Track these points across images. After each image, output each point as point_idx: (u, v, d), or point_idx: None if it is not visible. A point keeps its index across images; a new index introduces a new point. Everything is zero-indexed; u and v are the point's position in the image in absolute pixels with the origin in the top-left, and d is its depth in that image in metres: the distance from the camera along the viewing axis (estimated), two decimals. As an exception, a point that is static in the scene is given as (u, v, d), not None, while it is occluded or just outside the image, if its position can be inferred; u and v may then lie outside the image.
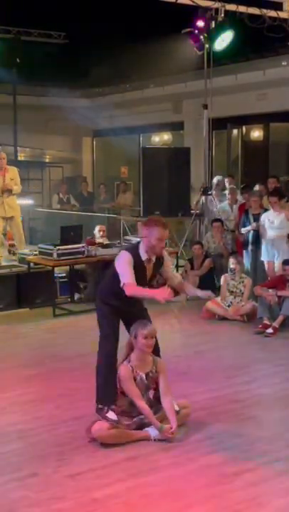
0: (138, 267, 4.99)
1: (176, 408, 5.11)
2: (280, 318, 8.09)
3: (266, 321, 8.14)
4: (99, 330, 5.17)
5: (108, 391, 5.02)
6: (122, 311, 5.11)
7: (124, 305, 5.06)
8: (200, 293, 5.50)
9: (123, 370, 5.01)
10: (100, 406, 4.99)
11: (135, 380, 5.02)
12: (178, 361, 6.64)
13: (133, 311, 5.14)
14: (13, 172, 10.67)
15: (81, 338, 7.95)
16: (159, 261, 5.20)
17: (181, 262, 10.92)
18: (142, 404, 4.97)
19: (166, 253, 5.39)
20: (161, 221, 5.10)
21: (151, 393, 5.09)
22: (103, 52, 11.07)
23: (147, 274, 5.11)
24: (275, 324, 8.05)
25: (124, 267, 4.98)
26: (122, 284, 4.90)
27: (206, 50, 10.79)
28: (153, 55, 11.38)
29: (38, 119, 16.49)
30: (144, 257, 5.06)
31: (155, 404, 5.12)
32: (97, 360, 5.12)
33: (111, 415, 4.92)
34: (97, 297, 5.31)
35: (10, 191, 10.57)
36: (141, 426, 5.00)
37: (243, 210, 10.21)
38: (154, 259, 5.14)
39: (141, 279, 4.99)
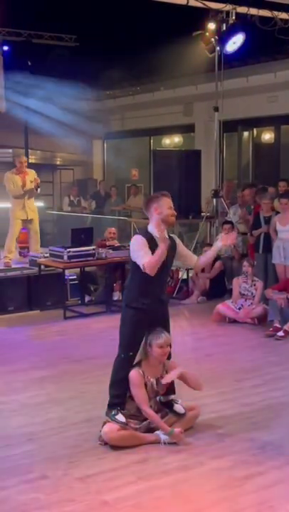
0: (152, 245, 4.97)
1: (182, 411, 5.11)
2: None
3: (277, 324, 8.12)
4: (119, 336, 5.13)
5: (119, 395, 5.03)
6: (147, 318, 5.04)
7: (152, 303, 5.03)
8: (219, 243, 5.31)
9: (134, 376, 5.00)
10: (109, 409, 5.01)
11: (146, 386, 5.02)
12: (188, 364, 6.59)
13: (158, 319, 5.12)
14: (32, 174, 10.79)
15: (92, 341, 7.97)
16: (172, 242, 5.16)
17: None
18: (149, 411, 4.98)
19: (175, 236, 5.36)
20: (164, 192, 5.19)
21: (159, 398, 5.10)
22: (114, 54, 11.07)
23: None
24: (286, 327, 8.02)
25: (138, 251, 4.97)
26: (142, 267, 4.89)
27: (217, 53, 10.78)
28: (164, 57, 11.37)
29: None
30: (155, 234, 5.03)
31: (163, 408, 5.12)
32: (113, 364, 5.13)
33: (120, 417, 4.93)
34: (122, 302, 5.29)
35: (33, 191, 10.67)
36: (149, 430, 5.00)
37: (255, 212, 10.18)
38: (166, 235, 5.08)
39: None
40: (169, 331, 5.19)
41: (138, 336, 5.08)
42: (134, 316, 5.05)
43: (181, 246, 5.32)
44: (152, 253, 4.90)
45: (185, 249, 5.40)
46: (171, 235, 5.30)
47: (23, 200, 10.65)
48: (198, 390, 5.30)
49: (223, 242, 5.30)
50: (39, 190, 10.92)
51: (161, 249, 4.85)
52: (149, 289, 5.01)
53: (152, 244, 5.00)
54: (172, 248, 5.18)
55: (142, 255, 4.94)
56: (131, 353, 5.04)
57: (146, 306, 5.02)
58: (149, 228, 5.13)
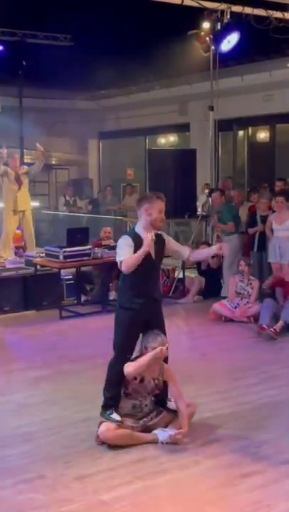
0: (139, 245, 4.97)
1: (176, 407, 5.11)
2: (281, 323, 8.01)
3: (264, 325, 8.05)
4: (114, 338, 5.14)
5: (113, 397, 5.03)
6: (141, 318, 5.05)
7: (146, 303, 5.03)
8: (212, 251, 5.63)
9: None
10: (104, 409, 5.01)
11: (143, 380, 5.01)
12: (184, 363, 6.63)
13: (152, 319, 5.13)
14: (24, 169, 10.82)
15: (88, 340, 7.97)
16: (160, 240, 5.16)
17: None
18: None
19: (164, 234, 5.35)
20: (159, 194, 5.12)
21: (152, 397, 5.11)
22: (109, 54, 11.06)
23: (151, 252, 5.05)
24: (276, 327, 7.96)
25: (119, 249, 5.03)
26: (118, 264, 4.98)
27: (211, 52, 10.78)
28: (159, 56, 11.37)
29: (44, 122, 16.50)
30: (143, 235, 5.04)
31: (156, 407, 5.13)
32: (108, 366, 5.13)
33: (115, 416, 4.94)
34: (116, 305, 5.30)
35: (40, 161, 10.87)
36: (145, 429, 5.00)
37: (253, 211, 10.19)
38: (153, 236, 5.07)
39: (146, 257, 4.97)
40: (164, 331, 5.19)
41: (132, 337, 5.09)
42: (128, 316, 5.05)
43: (170, 242, 5.28)
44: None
45: (175, 244, 5.38)
46: (159, 232, 5.24)
47: (14, 191, 10.60)
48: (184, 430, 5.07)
49: (217, 251, 5.45)
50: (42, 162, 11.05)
51: (143, 251, 4.86)
52: (142, 288, 5.03)
53: (140, 244, 4.98)
54: (160, 246, 5.17)
55: (120, 253, 4.99)
56: (127, 356, 5.03)
57: (139, 306, 5.02)
58: (136, 229, 5.12)
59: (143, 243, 4.93)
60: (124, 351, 5.04)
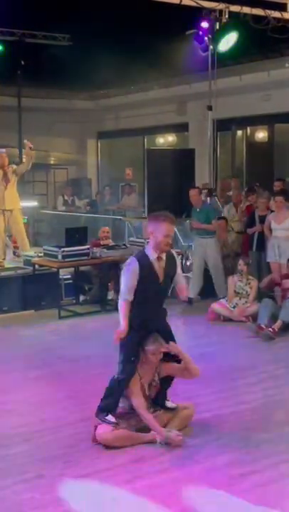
0: (147, 268, 4.94)
1: (173, 405, 5.11)
2: (279, 322, 8.01)
3: (262, 325, 8.05)
4: (119, 349, 5.12)
5: (111, 403, 5.01)
6: (146, 329, 5.04)
7: (146, 327, 5.02)
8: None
9: (134, 385, 4.97)
10: (100, 411, 5.01)
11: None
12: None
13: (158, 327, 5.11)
14: (12, 168, 10.69)
15: (86, 340, 7.96)
16: (172, 261, 5.11)
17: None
18: (148, 416, 4.94)
19: (176, 254, 5.28)
20: (169, 216, 5.01)
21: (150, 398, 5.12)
22: (108, 53, 11.07)
23: (158, 274, 5.00)
24: (274, 326, 7.96)
25: (125, 281, 4.97)
26: (119, 302, 5.02)
27: (210, 52, 10.78)
28: (157, 56, 11.37)
29: (42, 121, 16.51)
30: (152, 256, 4.98)
31: (154, 407, 5.13)
32: (111, 380, 5.11)
33: (110, 418, 4.94)
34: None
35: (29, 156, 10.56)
36: (143, 429, 4.99)
37: (251, 211, 10.19)
38: (164, 257, 5.03)
39: (151, 281, 4.95)
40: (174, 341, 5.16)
41: (138, 341, 5.05)
42: (129, 333, 5.03)
43: (179, 276, 5.23)
44: (145, 279, 4.90)
45: (179, 274, 5.27)
46: (173, 252, 5.18)
47: (1, 191, 10.50)
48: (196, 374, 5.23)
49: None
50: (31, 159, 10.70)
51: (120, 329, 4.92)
52: (143, 311, 5.00)
53: (147, 266, 4.94)
54: (172, 268, 5.10)
55: (124, 288, 4.97)
56: (132, 358, 5.01)
57: (138, 327, 5.01)
58: (146, 250, 5.05)
59: (154, 265, 4.94)
60: (129, 365, 4.99)
